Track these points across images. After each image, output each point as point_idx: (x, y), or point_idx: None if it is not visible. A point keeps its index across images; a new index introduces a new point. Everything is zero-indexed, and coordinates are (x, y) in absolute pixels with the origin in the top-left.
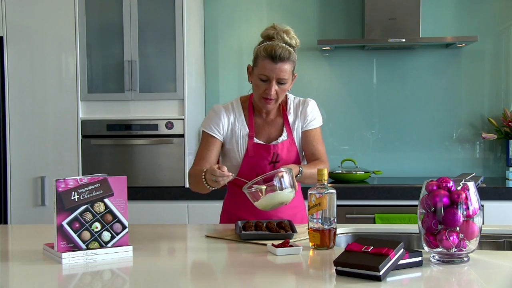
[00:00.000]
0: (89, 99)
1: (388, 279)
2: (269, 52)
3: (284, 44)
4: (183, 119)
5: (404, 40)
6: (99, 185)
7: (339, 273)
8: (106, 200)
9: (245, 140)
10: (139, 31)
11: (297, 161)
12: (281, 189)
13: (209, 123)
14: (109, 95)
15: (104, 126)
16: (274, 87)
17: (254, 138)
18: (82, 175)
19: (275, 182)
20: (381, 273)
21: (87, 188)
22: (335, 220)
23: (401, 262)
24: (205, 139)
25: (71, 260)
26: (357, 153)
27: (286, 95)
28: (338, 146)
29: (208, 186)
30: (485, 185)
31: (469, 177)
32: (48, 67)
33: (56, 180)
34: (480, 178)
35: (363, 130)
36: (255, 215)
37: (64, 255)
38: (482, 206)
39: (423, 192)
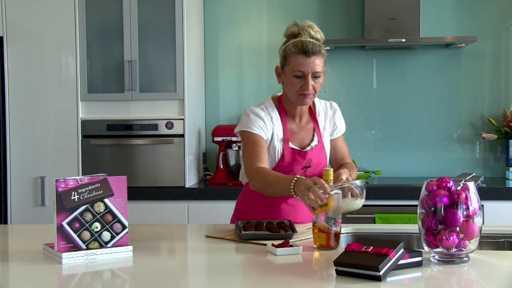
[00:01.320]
0: (89, 99)
1: (388, 279)
2: (300, 48)
3: (311, 39)
4: (183, 119)
5: (404, 40)
6: (99, 185)
7: (339, 273)
8: (106, 200)
9: (281, 145)
10: (139, 31)
11: (325, 165)
12: (362, 198)
13: (253, 124)
14: (109, 95)
15: (104, 126)
16: (310, 81)
17: (290, 143)
18: (82, 175)
19: (358, 190)
20: (381, 273)
21: (87, 188)
22: (340, 221)
23: (401, 262)
24: (252, 138)
25: (71, 260)
26: (357, 153)
27: None
28: None
29: (297, 197)
30: (485, 185)
31: (469, 177)
32: (48, 67)
33: (56, 180)
34: (480, 178)
35: (363, 130)
36: (271, 216)
37: (64, 255)
38: (482, 206)
39: (423, 192)
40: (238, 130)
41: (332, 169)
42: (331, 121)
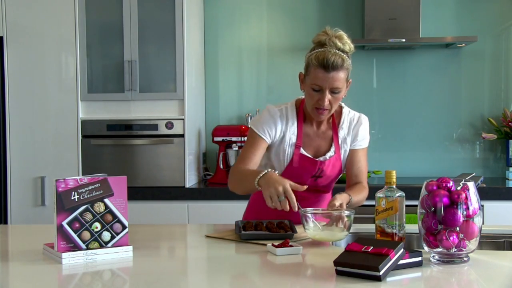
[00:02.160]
0: (89, 99)
1: (388, 279)
2: (321, 61)
3: (337, 51)
4: (183, 119)
5: (404, 40)
6: (99, 185)
7: (339, 273)
8: (106, 200)
9: (292, 149)
10: (139, 31)
11: (338, 177)
12: (342, 230)
13: (262, 125)
14: (109, 95)
15: (104, 126)
16: (327, 97)
17: (302, 149)
18: (82, 175)
19: (340, 224)
20: (381, 273)
21: (87, 188)
22: (404, 224)
23: (401, 262)
24: (253, 138)
25: (71, 260)
26: None
27: (342, 107)
28: None
29: (258, 187)
30: (485, 185)
31: (469, 177)
32: (48, 67)
33: (56, 180)
34: (480, 178)
35: None
36: (282, 212)
37: (64, 255)
38: (482, 206)
39: (423, 192)
40: (250, 123)
41: (394, 171)
42: (353, 133)
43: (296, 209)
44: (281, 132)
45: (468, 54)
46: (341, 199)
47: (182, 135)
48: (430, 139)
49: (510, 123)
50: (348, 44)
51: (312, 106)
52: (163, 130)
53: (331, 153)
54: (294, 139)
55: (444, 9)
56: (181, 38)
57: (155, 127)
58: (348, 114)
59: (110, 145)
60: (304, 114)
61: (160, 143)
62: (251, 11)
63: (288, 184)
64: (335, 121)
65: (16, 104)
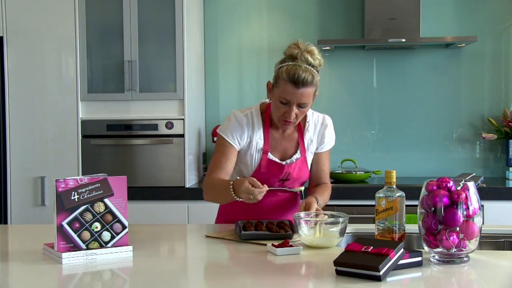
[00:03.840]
0: (89, 99)
1: (388, 279)
2: (292, 76)
3: (307, 66)
4: (183, 119)
5: (404, 40)
6: (99, 185)
7: (339, 273)
8: (106, 200)
9: (259, 154)
10: (139, 31)
11: (306, 179)
12: (337, 237)
13: (231, 132)
14: (109, 95)
15: (104, 126)
16: (294, 110)
17: (269, 154)
18: (82, 175)
19: (335, 229)
20: (381, 273)
21: (87, 188)
22: (404, 224)
23: (401, 262)
24: (223, 147)
25: (71, 260)
26: (357, 153)
27: None
28: (338, 146)
29: (239, 199)
30: (485, 185)
31: (469, 177)
32: (48, 67)
33: (56, 180)
34: (480, 178)
35: (363, 130)
36: (254, 216)
37: (64, 255)
38: (482, 206)
39: (423, 192)
40: (218, 130)
41: (394, 171)
42: (319, 135)
43: (265, 189)
44: (248, 138)
45: (468, 54)
46: (314, 203)
47: (182, 135)
48: (430, 139)
49: (510, 123)
50: (318, 60)
51: (278, 117)
52: (163, 130)
53: (297, 155)
54: (261, 144)
55: (444, 9)
56: (181, 38)
57: (155, 127)
58: (313, 116)
59: (110, 145)
60: (270, 119)
61: (160, 143)
62: (251, 11)
63: (248, 186)
64: (300, 124)
65: (16, 104)
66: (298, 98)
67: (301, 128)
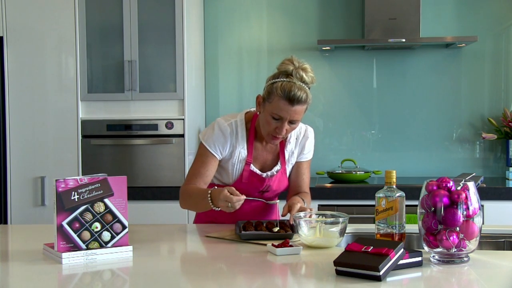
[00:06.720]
0: (89, 99)
1: (388, 279)
2: (287, 93)
3: (301, 84)
4: (183, 119)
5: (404, 40)
6: (99, 185)
7: (339, 273)
8: (106, 200)
9: (242, 164)
10: (139, 31)
11: (285, 189)
12: (337, 237)
13: (213, 141)
14: (109, 95)
15: (104, 126)
16: (286, 126)
17: (251, 165)
18: (82, 175)
19: (335, 229)
20: (381, 273)
21: (87, 188)
22: (404, 224)
23: (401, 262)
24: (204, 155)
25: (71, 260)
26: (357, 153)
27: None
28: (338, 146)
29: (216, 209)
30: (485, 185)
31: (469, 177)
32: (48, 67)
33: (56, 180)
34: (480, 178)
35: (363, 130)
36: (232, 215)
37: (64, 255)
38: (482, 206)
39: (423, 192)
40: (200, 137)
41: (394, 171)
42: (300, 146)
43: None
44: (230, 147)
45: (468, 54)
46: (299, 202)
47: (182, 135)
48: (430, 139)
49: (510, 123)
50: (311, 77)
51: (268, 132)
52: (163, 130)
53: (277, 167)
54: (244, 154)
55: (444, 9)
56: (181, 38)
57: (155, 127)
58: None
59: (110, 145)
60: (255, 130)
61: (160, 143)
62: (251, 11)
63: (227, 193)
64: None
65: (16, 104)
66: (291, 115)
67: (282, 140)
